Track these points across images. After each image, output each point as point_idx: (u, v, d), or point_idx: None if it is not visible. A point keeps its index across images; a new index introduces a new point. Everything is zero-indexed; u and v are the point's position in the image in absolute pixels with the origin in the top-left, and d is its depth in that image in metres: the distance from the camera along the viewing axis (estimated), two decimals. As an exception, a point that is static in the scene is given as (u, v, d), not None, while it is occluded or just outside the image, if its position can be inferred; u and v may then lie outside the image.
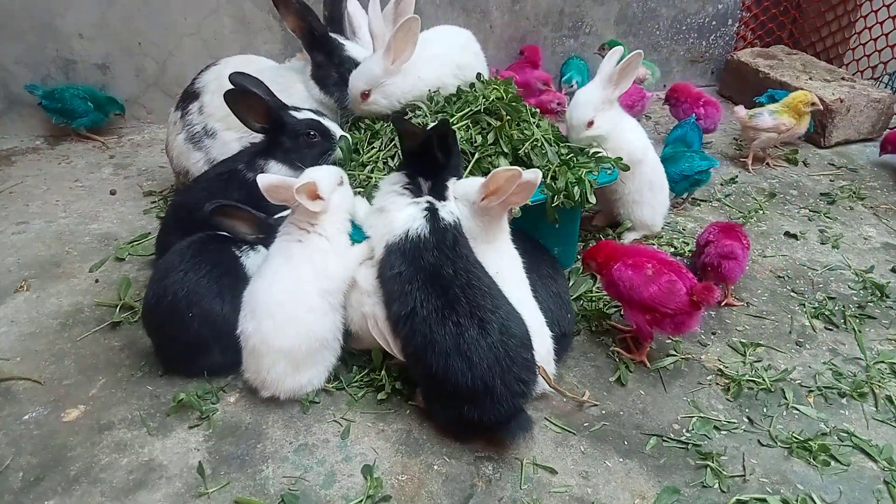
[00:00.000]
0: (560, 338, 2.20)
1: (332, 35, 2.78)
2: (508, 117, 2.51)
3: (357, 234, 2.22)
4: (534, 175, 2.05)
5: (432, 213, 2.03)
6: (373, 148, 2.49)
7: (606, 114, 2.77)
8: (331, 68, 2.73)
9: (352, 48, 2.81)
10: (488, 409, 1.88)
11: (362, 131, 2.58)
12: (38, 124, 3.96)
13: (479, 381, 1.86)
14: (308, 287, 2.04)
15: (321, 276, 2.06)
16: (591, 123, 2.74)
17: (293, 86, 2.81)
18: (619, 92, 2.77)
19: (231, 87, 2.42)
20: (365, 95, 2.53)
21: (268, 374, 2.04)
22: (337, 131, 2.50)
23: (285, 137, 2.43)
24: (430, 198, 2.06)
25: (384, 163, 2.44)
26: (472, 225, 2.13)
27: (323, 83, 2.77)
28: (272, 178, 2.03)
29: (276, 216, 2.26)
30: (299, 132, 2.43)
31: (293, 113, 2.45)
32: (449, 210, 2.07)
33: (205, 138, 2.87)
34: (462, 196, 2.14)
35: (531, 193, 2.11)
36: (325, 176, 2.13)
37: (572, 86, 4.21)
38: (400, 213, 2.04)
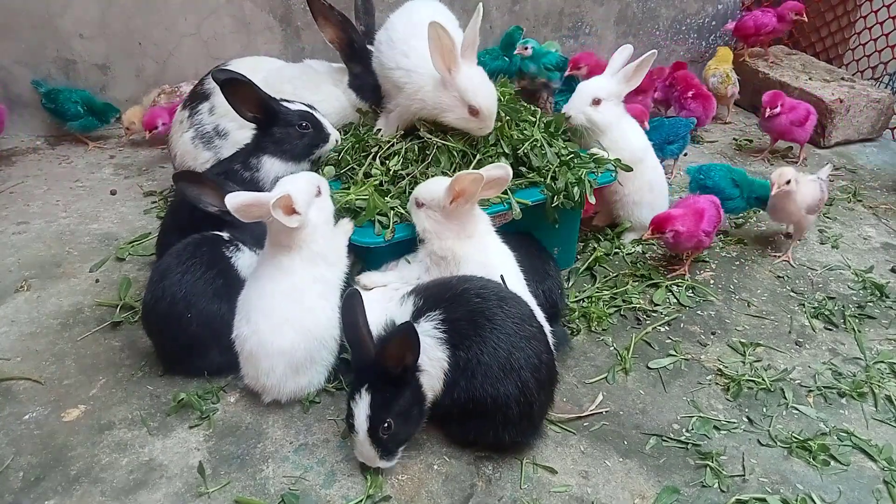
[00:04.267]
0: (552, 311, 2.25)
1: (369, 47, 2.80)
2: (508, 118, 2.52)
3: (357, 234, 2.22)
4: (504, 171, 2.02)
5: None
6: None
7: (611, 106, 2.82)
8: (367, 76, 2.77)
9: None
10: (524, 429, 1.91)
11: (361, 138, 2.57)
12: (38, 124, 3.95)
13: (523, 399, 1.85)
14: (306, 285, 2.04)
15: (317, 274, 2.06)
16: (598, 101, 2.79)
17: (321, 85, 2.84)
18: (629, 88, 2.83)
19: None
20: None
21: (267, 379, 2.03)
22: (328, 126, 2.53)
23: (276, 128, 2.44)
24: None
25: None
26: (449, 225, 2.11)
27: (361, 90, 2.81)
28: (242, 196, 1.88)
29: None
30: (291, 122, 2.45)
31: (285, 104, 2.47)
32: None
33: (216, 138, 2.88)
34: (430, 200, 2.11)
35: (504, 186, 2.10)
36: (300, 189, 2.02)
37: (527, 48, 4.05)
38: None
